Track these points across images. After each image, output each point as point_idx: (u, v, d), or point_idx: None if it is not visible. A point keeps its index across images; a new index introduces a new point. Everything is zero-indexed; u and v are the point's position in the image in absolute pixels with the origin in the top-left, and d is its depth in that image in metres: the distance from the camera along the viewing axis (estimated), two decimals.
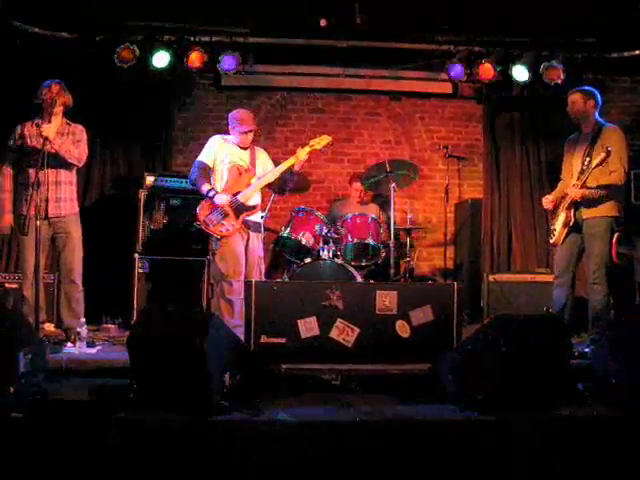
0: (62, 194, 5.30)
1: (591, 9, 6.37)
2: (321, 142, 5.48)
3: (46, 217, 5.18)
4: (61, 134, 5.28)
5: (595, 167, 5.05)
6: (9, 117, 5.70)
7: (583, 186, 5.15)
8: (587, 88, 5.46)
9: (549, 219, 5.58)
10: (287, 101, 7.99)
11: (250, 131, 5.47)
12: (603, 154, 5.00)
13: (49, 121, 5.14)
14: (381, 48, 7.44)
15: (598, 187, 5.12)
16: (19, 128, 5.31)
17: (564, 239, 5.32)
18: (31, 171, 5.11)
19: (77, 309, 5.33)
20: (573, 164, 5.36)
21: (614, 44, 7.23)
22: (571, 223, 5.25)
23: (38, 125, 5.23)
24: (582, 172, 5.20)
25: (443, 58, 7.37)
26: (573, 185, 5.23)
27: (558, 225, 5.35)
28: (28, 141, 5.22)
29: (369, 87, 7.88)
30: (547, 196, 5.53)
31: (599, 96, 5.39)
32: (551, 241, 5.46)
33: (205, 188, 5.29)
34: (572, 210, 5.24)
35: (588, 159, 5.20)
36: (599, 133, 5.26)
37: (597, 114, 5.38)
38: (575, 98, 5.37)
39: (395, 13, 6.61)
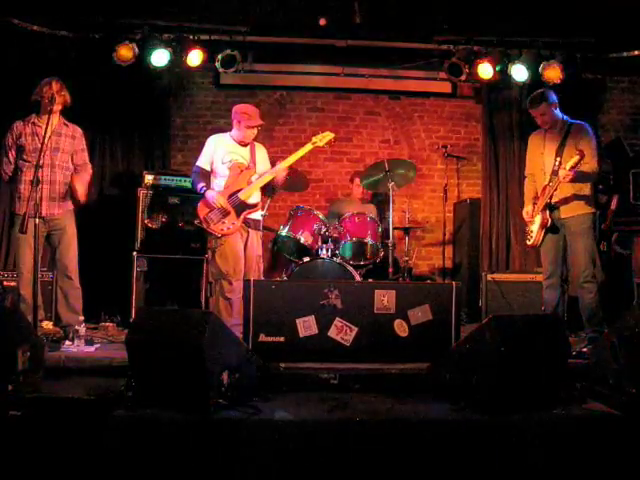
0: (56, 194, 5.30)
1: (590, 9, 6.37)
2: (324, 139, 5.47)
3: (41, 216, 5.12)
4: (58, 134, 5.29)
5: (571, 170, 5.03)
6: (7, 115, 5.71)
7: (556, 189, 5.16)
8: (543, 93, 5.38)
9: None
10: (286, 100, 7.99)
11: (258, 126, 5.46)
12: (576, 157, 4.97)
13: (47, 119, 5.13)
14: (380, 47, 7.44)
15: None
16: (16, 126, 5.30)
17: (542, 240, 5.33)
18: (26, 169, 5.14)
19: (75, 305, 5.32)
20: (545, 162, 5.34)
21: (613, 44, 7.24)
22: (548, 224, 5.26)
23: (35, 123, 5.23)
24: (554, 173, 5.19)
25: (442, 58, 7.37)
26: (545, 187, 5.23)
27: (535, 227, 5.35)
28: (24, 139, 5.22)
29: (368, 86, 7.89)
30: (527, 209, 5.46)
31: (554, 93, 5.39)
32: (529, 243, 5.46)
33: (199, 186, 5.33)
34: (547, 211, 5.25)
35: (559, 159, 5.19)
36: (568, 131, 5.28)
37: (558, 110, 5.36)
38: (543, 110, 5.32)
39: (394, 12, 6.62)
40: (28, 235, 4.91)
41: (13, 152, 5.25)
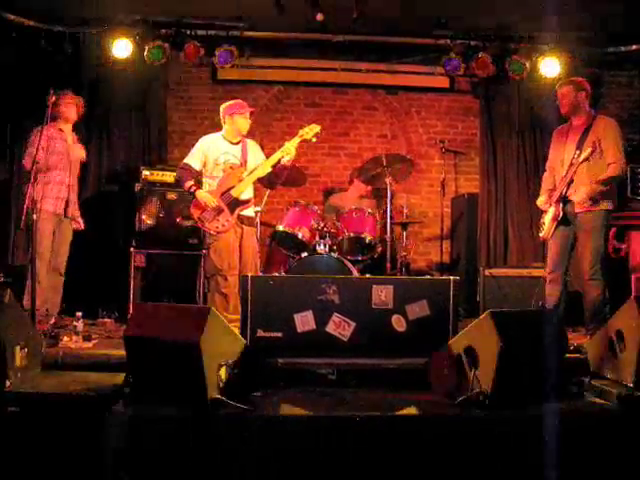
0: (76, 198, 5.72)
1: (588, 3, 6.37)
2: (310, 132, 5.47)
3: (67, 216, 5.59)
4: (75, 146, 5.69)
5: (582, 162, 5.03)
6: (5, 110, 5.72)
7: (571, 180, 5.15)
8: (577, 79, 5.40)
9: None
10: (283, 95, 7.98)
11: (249, 112, 5.50)
12: (589, 149, 4.98)
13: (43, 127, 5.17)
14: (378, 42, 7.44)
15: (598, 182, 5.09)
16: (45, 128, 5.35)
17: (553, 233, 5.30)
18: (51, 171, 5.46)
19: (57, 299, 5.63)
20: (565, 156, 5.31)
21: (611, 38, 7.23)
22: (559, 217, 5.23)
23: (61, 129, 5.56)
24: (571, 165, 5.18)
25: (440, 52, 7.35)
26: (562, 179, 5.23)
27: (547, 219, 5.34)
28: (51, 144, 5.45)
29: (366, 81, 7.88)
30: (540, 199, 5.48)
31: (590, 87, 5.36)
32: (540, 235, 5.46)
33: (188, 185, 5.33)
34: (561, 204, 5.23)
35: (578, 152, 5.16)
36: (592, 124, 5.22)
37: (588, 106, 5.34)
38: (565, 90, 5.29)
39: (392, 7, 6.61)
40: (44, 229, 5.27)
41: (41, 152, 5.27)
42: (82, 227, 5.78)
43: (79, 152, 5.77)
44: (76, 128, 5.88)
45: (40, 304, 5.16)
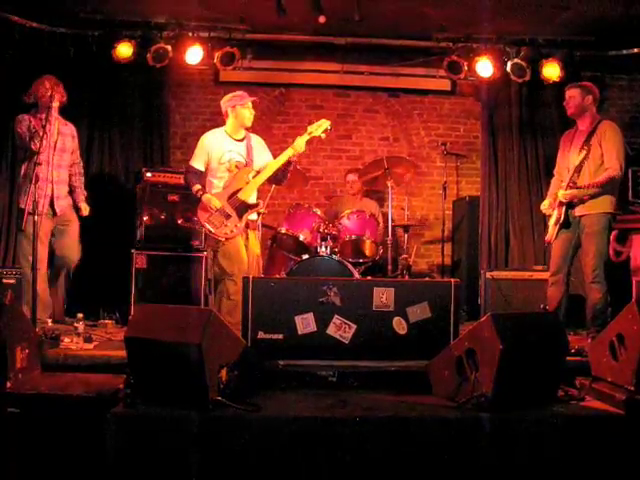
0: (64, 192, 5.60)
1: (590, 7, 6.37)
2: (320, 128, 5.32)
3: (54, 214, 5.47)
4: (62, 134, 5.43)
5: (579, 165, 5.08)
6: (6, 111, 5.71)
7: (573, 185, 5.17)
8: (586, 83, 5.45)
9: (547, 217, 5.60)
10: (285, 97, 7.99)
11: (251, 102, 5.34)
12: (584, 152, 5.06)
13: (47, 117, 5.12)
14: (379, 45, 7.44)
15: (590, 185, 5.12)
16: (29, 118, 5.29)
17: (556, 236, 5.33)
18: (33, 165, 5.19)
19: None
20: (570, 159, 5.35)
21: (613, 42, 7.23)
22: (561, 220, 5.25)
23: (42, 120, 5.20)
24: (576, 169, 5.21)
25: (441, 55, 7.36)
26: (564, 186, 5.27)
27: (551, 222, 5.38)
28: (37, 135, 5.22)
29: (367, 83, 7.89)
30: (544, 202, 5.56)
31: (598, 92, 5.39)
32: (546, 238, 5.49)
33: (195, 188, 5.21)
34: (563, 207, 5.25)
35: (582, 156, 5.20)
36: (595, 128, 5.26)
37: (595, 111, 5.37)
38: (573, 93, 5.36)
39: (394, 10, 6.61)
40: (39, 231, 5.06)
41: (36, 141, 5.18)
42: (85, 213, 5.75)
43: (66, 142, 5.57)
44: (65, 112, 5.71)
45: (39, 313, 5.09)
